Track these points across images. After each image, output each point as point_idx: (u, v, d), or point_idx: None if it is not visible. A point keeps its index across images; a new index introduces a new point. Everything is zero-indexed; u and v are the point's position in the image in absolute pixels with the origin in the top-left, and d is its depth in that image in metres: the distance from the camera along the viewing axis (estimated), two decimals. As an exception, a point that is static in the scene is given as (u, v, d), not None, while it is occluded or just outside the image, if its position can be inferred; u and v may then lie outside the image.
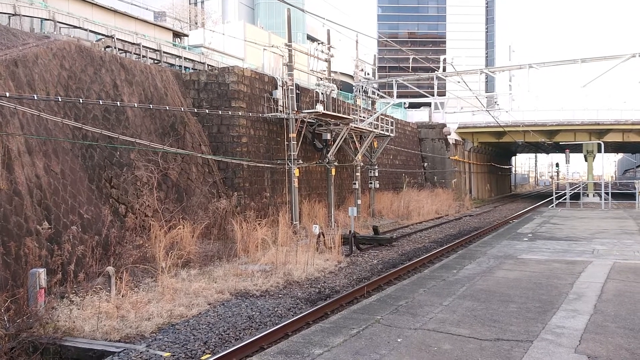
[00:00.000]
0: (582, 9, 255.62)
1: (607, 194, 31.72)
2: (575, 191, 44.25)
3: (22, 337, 7.71)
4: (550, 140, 45.58)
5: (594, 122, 40.29)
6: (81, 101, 14.41)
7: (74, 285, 10.10)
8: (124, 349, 7.64)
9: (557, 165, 67.97)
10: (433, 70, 32.83)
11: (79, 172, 13.66)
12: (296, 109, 20.93)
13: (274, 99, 21.96)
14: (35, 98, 12.64)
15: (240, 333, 8.72)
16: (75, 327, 8.38)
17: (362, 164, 26.82)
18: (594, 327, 6.61)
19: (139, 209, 15.18)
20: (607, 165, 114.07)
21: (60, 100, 13.59)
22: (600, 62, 23.93)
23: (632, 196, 34.20)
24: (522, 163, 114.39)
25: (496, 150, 57.55)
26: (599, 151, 38.71)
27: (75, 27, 20.73)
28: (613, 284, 9.11)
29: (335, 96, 26.03)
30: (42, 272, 8.83)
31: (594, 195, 40.89)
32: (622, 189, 60.05)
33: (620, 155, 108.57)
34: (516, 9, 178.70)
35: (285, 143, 21.00)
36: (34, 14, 19.25)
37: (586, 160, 44.53)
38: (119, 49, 20.92)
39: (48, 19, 19.68)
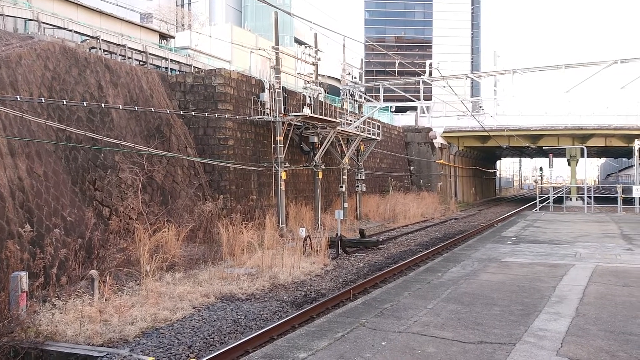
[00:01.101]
0: (566, 16, 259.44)
1: (590, 197, 32.20)
2: (559, 195, 44.83)
3: (2, 341, 7.59)
4: (534, 144, 46.14)
5: (577, 127, 40.86)
6: (65, 102, 14.26)
7: (57, 289, 9.96)
8: (107, 354, 7.55)
9: (541, 169, 68.85)
10: (419, 75, 33.08)
11: (62, 174, 13.51)
12: (283, 112, 20.93)
13: (261, 101, 21.94)
14: (19, 99, 12.48)
15: (225, 337, 8.67)
16: (58, 331, 8.27)
17: (349, 167, 26.89)
18: (576, 329, 6.70)
19: (123, 212, 15.05)
20: (590, 170, 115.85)
21: (43, 101, 13.44)
22: (584, 68, 24.33)
23: (614, 200, 34.74)
24: (506, 167, 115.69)
25: (481, 154, 58.09)
26: (582, 156, 39.28)
27: (59, 27, 20.54)
28: (595, 287, 9.24)
29: (322, 99, 26.09)
30: (23, 275, 8.70)
31: (577, 199, 41.45)
32: (604, 193, 61.03)
33: (602, 160, 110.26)
34: (501, 15, 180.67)
35: (272, 146, 20.98)
36: (17, 14, 19.04)
37: (569, 165, 45.14)
38: (104, 50, 20.76)
39: (32, 20, 19.48)
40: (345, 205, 26.05)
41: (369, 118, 29.11)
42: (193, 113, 19.30)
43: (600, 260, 12.18)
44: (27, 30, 19.41)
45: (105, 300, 9.65)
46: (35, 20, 19.45)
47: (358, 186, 28.36)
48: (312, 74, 24.95)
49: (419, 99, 28.86)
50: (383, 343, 6.21)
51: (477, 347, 6.02)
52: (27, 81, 13.60)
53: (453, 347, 6.04)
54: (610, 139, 43.32)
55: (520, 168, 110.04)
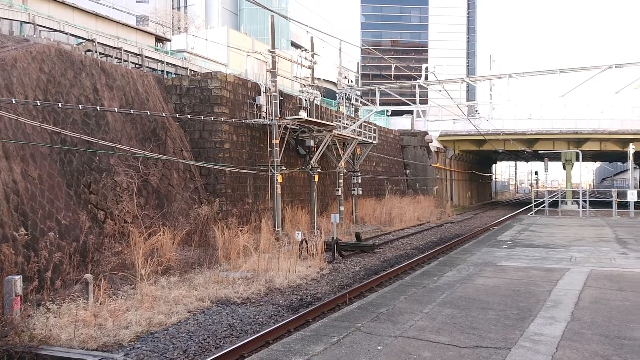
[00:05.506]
0: (562, 20, 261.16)
1: (585, 201, 32.27)
2: (554, 199, 44.96)
3: (-5, 346, 7.54)
4: (529, 148, 46.31)
5: (573, 131, 41.06)
6: (60, 105, 14.21)
7: (51, 292, 9.91)
8: (102, 358, 7.52)
9: (536, 173, 69.07)
10: (415, 79, 33.18)
11: (57, 178, 13.45)
12: (279, 115, 20.93)
13: (257, 105, 21.93)
14: (14, 102, 12.43)
15: (220, 341, 8.64)
16: (52, 335, 8.22)
17: (345, 170, 26.90)
18: (571, 334, 6.71)
19: (118, 215, 14.99)
20: (585, 174, 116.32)
21: (39, 104, 13.39)
22: (579, 73, 24.48)
23: (609, 204, 34.82)
24: (502, 171, 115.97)
25: (477, 158, 58.25)
26: (577, 160, 39.44)
27: (55, 30, 20.45)
28: (590, 291, 9.26)
29: (318, 103, 26.11)
30: (18, 279, 8.65)
31: (572, 203, 41.59)
32: (599, 197, 61.19)
33: (598, 164, 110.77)
34: (497, 19, 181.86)
35: (268, 149, 20.98)
36: (13, 16, 18.95)
37: (565, 169, 45.31)
38: (100, 53, 20.69)
39: (28, 22, 19.39)
40: (342, 208, 26.04)
41: (365, 121, 29.15)
42: (189, 116, 19.28)
43: (596, 264, 12.21)
44: (22, 33, 19.32)
45: (100, 304, 9.60)
46: (31, 23, 19.37)
47: (354, 189, 28.36)
48: (308, 77, 24.98)
49: (415, 103, 28.95)
50: (379, 348, 6.19)
51: (473, 352, 6.01)
52: (22, 84, 13.55)
53: (449, 351, 6.04)
54: (605, 143, 43.54)
55: (515, 172, 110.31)
